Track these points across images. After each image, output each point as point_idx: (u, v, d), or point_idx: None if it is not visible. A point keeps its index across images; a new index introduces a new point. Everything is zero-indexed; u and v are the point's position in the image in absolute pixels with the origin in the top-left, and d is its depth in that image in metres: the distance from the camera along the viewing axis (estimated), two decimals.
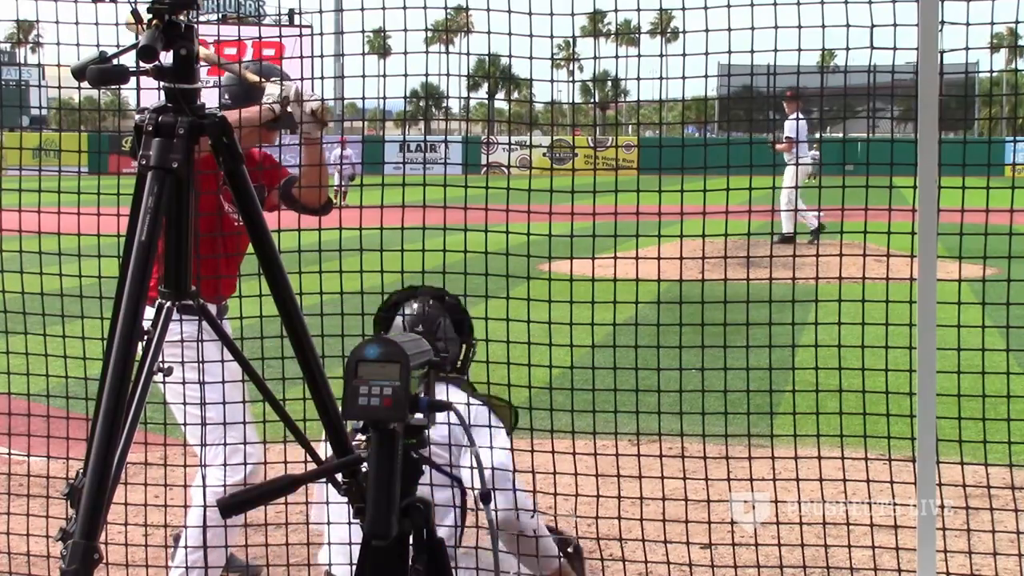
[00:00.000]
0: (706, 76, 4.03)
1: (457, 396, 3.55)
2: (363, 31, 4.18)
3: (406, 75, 4.11)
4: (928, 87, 3.23)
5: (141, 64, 2.31)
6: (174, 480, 4.37)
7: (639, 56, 4.17)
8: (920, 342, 3.29)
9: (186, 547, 3.94)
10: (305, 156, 4.17)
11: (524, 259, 3.92)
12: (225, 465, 3.92)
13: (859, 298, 3.74)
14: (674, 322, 3.97)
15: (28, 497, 4.27)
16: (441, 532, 3.28)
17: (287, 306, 2.55)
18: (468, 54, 4.42)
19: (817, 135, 15.69)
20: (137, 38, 2.36)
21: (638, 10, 4.02)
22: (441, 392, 3.43)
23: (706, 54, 3.83)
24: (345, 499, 2.55)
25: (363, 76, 4.14)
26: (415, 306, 3.83)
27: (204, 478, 3.92)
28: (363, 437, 2.08)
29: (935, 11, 3.23)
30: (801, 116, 15.16)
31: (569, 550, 3.79)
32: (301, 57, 4.44)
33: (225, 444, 3.89)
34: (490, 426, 3.53)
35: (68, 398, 4.26)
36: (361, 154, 26.31)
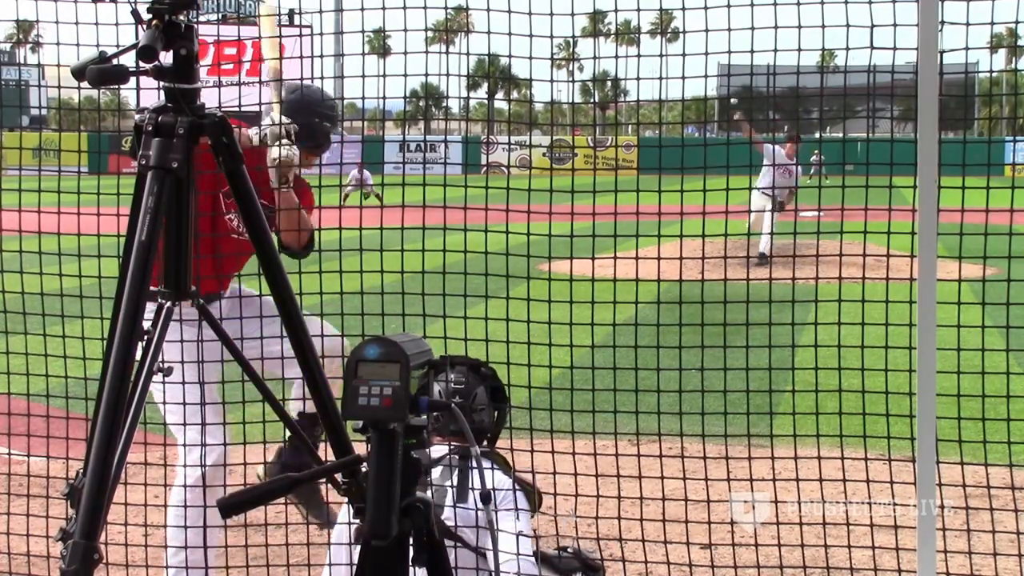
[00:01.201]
0: (706, 76, 4.04)
1: (487, 477, 3.50)
2: (363, 31, 4.18)
3: (406, 75, 4.11)
4: (928, 87, 3.23)
5: (141, 64, 2.31)
6: (174, 480, 4.37)
7: (639, 56, 4.17)
8: (920, 342, 3.29)
9: (166, 547, 3.95)
10: (281, 201, 4.04)
11: (524, 259, 3.93)
12: (186, 466, 3.92)
13: (859, 298, 3.74)
14: (674, 322, 3.97)
15: (28, 497, 4.27)
16: None
17: (287, 306, 2.54)
18: (468, 54, 4.42)
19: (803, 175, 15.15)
20: (137, 36, 2.36)
21: (638, 10, 4.02)
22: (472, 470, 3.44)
23: (706, 54, 3.84)
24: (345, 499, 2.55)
25: (363, 76, 4.14)
26: (452, 377, 3.77)
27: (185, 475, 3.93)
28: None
29: (935, 11, 3.23)
30: (793, 162, 14.54)
31: None
32: (301, 57, 4.44)
33: (185, 444, 3.89)
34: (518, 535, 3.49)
35: (68, 398, 4.26)
36: (361, 154, 26.26)
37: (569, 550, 3.82)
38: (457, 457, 3.52)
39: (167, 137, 2.35)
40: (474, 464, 3.39)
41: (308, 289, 3.79)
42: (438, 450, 3.54)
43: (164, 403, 3.83)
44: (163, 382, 3.61)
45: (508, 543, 3.41)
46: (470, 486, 3.46)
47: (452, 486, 3.46)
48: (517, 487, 3.57)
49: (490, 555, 3.39)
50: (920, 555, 3.36)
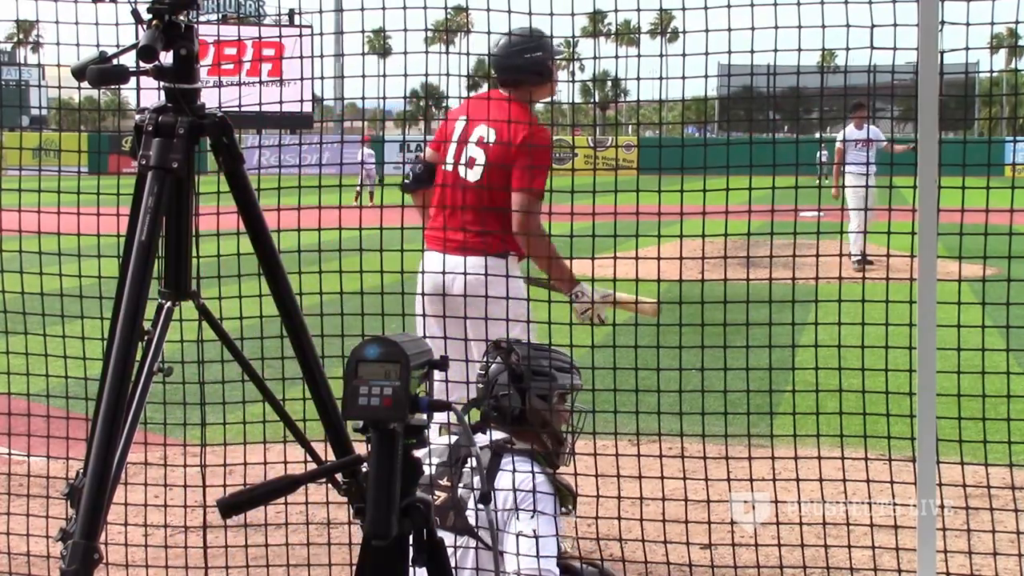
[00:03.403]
0: (706, 76, 4.04)
1: (522, 467, 3.46)
2: (363, 31, 4.18)
3: (406, 75, 4.11)
4: (928, 87, 3.23)
5: (141, 64, 2.31)
6: (174, 480, 4.37)
7: (639, 56, 4.17)
8: (920, 342, 3.29)
9: None
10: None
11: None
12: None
13: (859, 298, 3.74)
14: (674, 322, 3.97)
15: (28, 497, 4.27)
16: None
17: (287, 306, 2.55)
18: (468, 54, 4.42)
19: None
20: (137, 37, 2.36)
21: (638, 10, 4.03)
22: (507, 464, 3.41)
23: (706, 54, 3.84)
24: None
25: (363, 76, 4.15)
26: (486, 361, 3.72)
27: None
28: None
29: (935, 11, 3.23)
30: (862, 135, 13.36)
31: None
32: (301, 57, 4.45)
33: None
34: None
35: (68, 398, 4.26)
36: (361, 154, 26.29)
37: (583, 564, 3.78)
38: (491, 453, 3.47)
39: (167, 137, 2.35)
40: (475, 463, 3.39)
41: (308, 289, 3.79)
42: (482, 440, 3.49)
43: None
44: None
45: (525, 544, 3.36)
46: (490, 485, 3.40)
47: (474, 481, 3.39)
48: (546, 486, 3.49)
49: (505, 556, 3.38)
50: (920, 555, 3.36)
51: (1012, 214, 3.82)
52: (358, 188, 20.28)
